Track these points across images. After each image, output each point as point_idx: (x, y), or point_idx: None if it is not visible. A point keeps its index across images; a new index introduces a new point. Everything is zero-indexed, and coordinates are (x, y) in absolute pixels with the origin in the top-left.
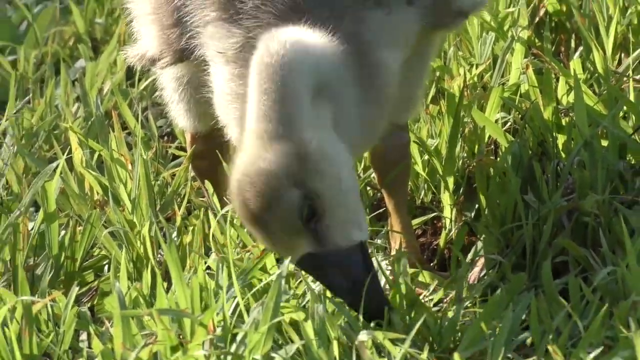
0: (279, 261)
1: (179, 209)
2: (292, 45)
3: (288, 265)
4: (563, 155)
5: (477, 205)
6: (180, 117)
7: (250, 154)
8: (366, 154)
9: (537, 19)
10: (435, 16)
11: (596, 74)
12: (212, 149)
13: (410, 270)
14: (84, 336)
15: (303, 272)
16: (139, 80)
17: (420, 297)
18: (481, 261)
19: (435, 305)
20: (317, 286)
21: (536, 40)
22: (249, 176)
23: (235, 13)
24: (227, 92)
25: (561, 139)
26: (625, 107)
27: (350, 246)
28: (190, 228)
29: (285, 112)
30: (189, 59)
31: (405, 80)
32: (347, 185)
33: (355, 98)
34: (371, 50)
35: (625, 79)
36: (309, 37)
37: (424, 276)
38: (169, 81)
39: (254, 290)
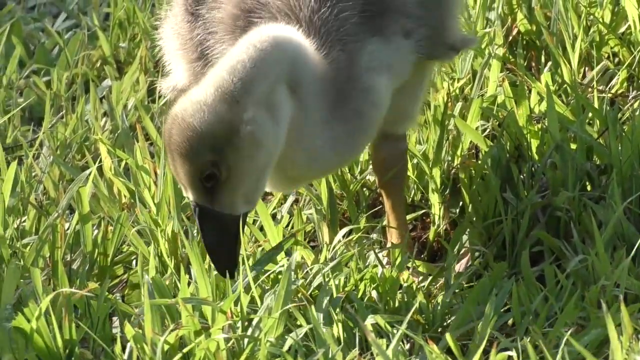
0: (287, 254)
1: None
2: (276, 38)
3: (295, 257)
4: (537, 157)
5: (461, 203)
6: None
7: (198, 97)
8: (365, 158)
9: (510, 38)
10: (429, 48)
11: (564, 86)
12: None
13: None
14: (116, 323)
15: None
16: (159, 97)
17: (414, 284)
18: (467, 252)
19: (426, 291)
20: (320, 276)
21: (510, 57)
22: (186, 112)
23: None
24: None
25: (535, 143)
26: (590, 114)
27: (231, 215)
28: None
29: (245, 86)
30: None
31: (402, 98)
32: (257, 168)
33: (324, 114)
34: (363, 76)
35: (589, 89)
36: (299, 38)
37: (418, 266)
38: None
39: (263, 278)
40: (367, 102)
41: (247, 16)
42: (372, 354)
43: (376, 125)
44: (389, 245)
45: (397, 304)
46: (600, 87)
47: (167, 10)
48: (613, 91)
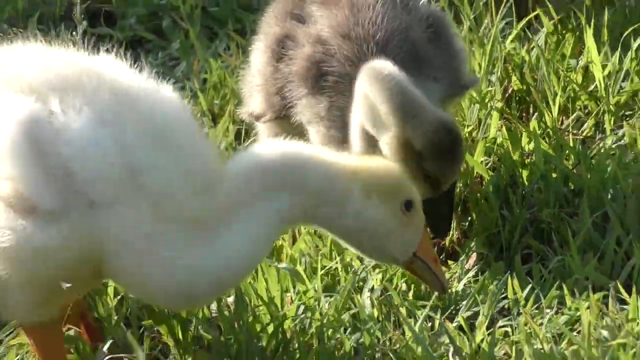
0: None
1: None
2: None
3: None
4: (527, 184)
5: (469, 218)
6: None
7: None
8: None
9: (507, 94)
10: (450, 88)
11: (547, 130)
12: None
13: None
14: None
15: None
16: (244, 140)
17: None
18: (474, 255)
19: None
20: (364, 272)
21: (507, 109)
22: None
23: (321, 88)
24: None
25: (525, 173)
26: (567, 151)
27: None
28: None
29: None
30: (285, 118)
31: None
32: None
33: None
34: None
35: (566, 133)
36: None
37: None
38: (266, 136)
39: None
40: None
41: (318, 66)
42: (403, 330)
43: None
44: None
45: (421, 293)
46: (575, 131)
47: (253, 52)
48: (584, 134)
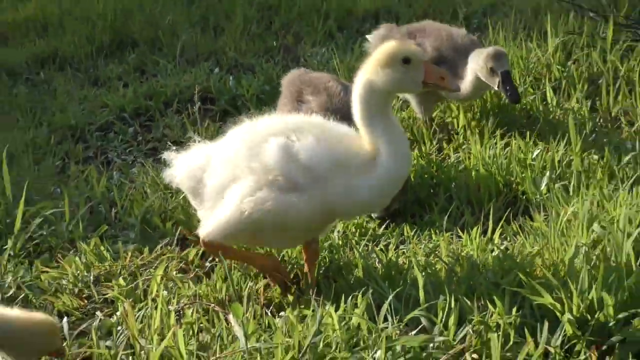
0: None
1: None
2: None
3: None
4: (412, 180)
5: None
6: None
7: None
8: None
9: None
10: None
11: (424, 154)
12: None
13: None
14: None
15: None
16: None
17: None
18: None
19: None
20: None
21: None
22: None
23: None
24: None
25: (412, 174)
26: (432, 164)
27: None
28: None
29: None
30: None
31: None
32: None
33: None
34: None
35: (432, 155)
36: None
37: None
38: None
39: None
40: None
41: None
42: (354, 252)
43: None
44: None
45: (363, 231)
46: (437, 154)
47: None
48: (442, 156)
